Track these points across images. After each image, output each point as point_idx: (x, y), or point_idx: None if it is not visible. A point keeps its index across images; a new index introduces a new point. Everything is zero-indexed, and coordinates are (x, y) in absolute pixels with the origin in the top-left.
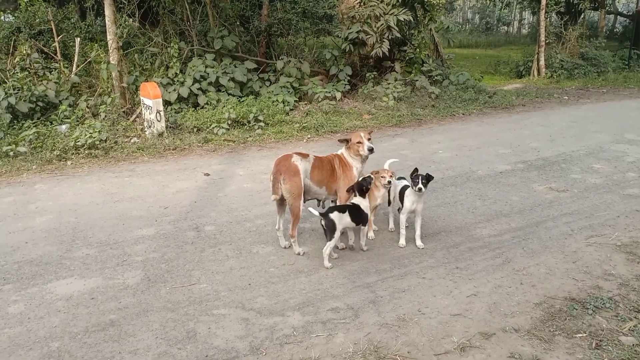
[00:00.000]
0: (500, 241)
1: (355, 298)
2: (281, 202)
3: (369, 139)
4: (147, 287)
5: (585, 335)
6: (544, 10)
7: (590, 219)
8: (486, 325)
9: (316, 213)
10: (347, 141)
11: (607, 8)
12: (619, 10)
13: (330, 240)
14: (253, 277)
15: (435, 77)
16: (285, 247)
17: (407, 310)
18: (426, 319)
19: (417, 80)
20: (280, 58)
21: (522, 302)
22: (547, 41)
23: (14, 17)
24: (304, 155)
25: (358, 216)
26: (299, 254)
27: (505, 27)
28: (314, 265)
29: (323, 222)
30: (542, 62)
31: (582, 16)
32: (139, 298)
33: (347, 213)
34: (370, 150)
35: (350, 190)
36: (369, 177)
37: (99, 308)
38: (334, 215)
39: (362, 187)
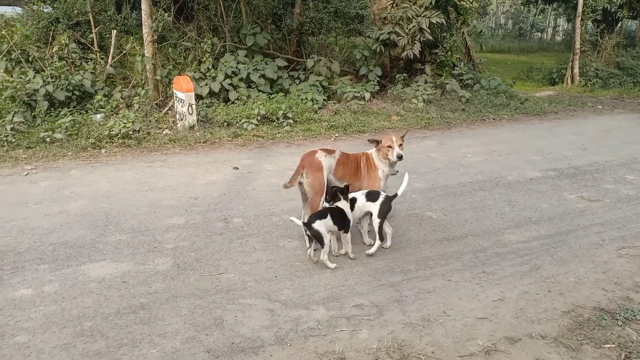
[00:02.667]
0: (529, 248)
1: (379, 296)
2: (306, 197)
3: (400, 145)
4: (176, 273)
5: (614, 346)
6: (579, 18)
7: (622, 230)
8: (512, 330)
9: (299, 223)
10: (377, 142)
11: None
12: None
13: (322, 247)
14: (279, 269)
15: (466, 81)
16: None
17: (432, 311)
18: (451, 320)
19: (447, 83)
20: (310, 57)
21: (550, 309)
22: (583, 49)
23: (52, 8)
24: (330, 152)
25: (341, 221)
26: (308, 249)
27: (539, 34)
28: (338, 262)
29: (308, 232)
30: (576, 70)
31: (619, 25)
32: (169, 284)
33: (328, 217)
34: (400, 157)
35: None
36: (347, 186)
37: (130, 291)
38: (317, 224)
39: (337, 195)
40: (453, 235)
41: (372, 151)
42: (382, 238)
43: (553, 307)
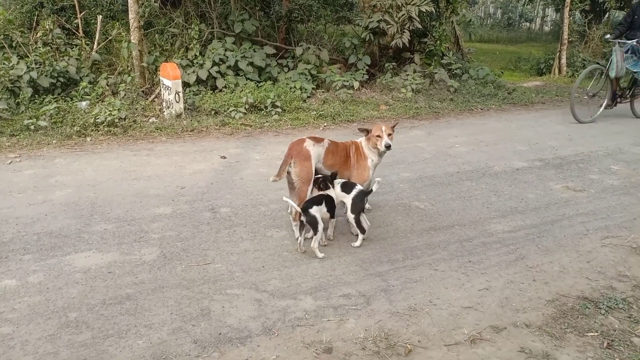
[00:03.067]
0: (514, 237)
1: (367, 286)
2: (293, 186)
3: (389, 135)
4: (163, 264)
5: (597, 334)
6: (568, 8)
7: (607, 220)
8: (497, 319)
9: (294, 205)
10: (367, 131)
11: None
12: None
13: (315, 234)
14: (267, 259)
15: (455, 71)
16: (298, 240)
17: (418, 300)
18: (437, 309)
19: (436, 72)
20: (299, 44)
21: (534, 298)
22: (570, 39)
23: None
24: (319, 140)
25: (332, 207)
26: (297, 239)
27: (528, 24)
28: (326, 251)
29: (304, 218)
30: (563, 61)
31: (606, 15)
32: (155, 274)
33: (323, 204)
34: (388, 147)
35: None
36: (334, 174)
37: (116, 282)
38: (314, 210)
39: (327, 183)
40: (440, 225)
41: (362, 140)
42: (362, 231)
43: (538, 296)
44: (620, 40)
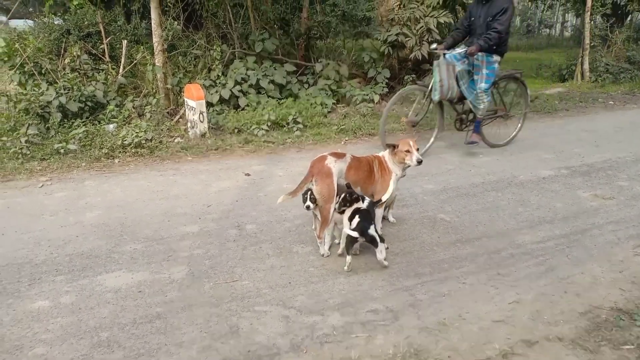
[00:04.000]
0: (544, 248)
1: (394, 301)
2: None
3: (417, 149)
4: (191, 282)
5: (633, 347)
6: (589, 13)
7: (638, 228)
8: (529, 333)
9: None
10: (394, 147)
11: None
12: None
13: (377, 246)
14: (293, 276)
15: None
16: (323, 255)
17: (447, 314)
18: (467, 324)
19: None
20: (319, 61)
21: (567, 311)
22: (592, 44)
23: (63, 20)
24: (340, 156)
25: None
26: (323, 255)
27: (548, 30)
28: (352, 266)
29: (362, 239)
30: (586, 66)
31: (629, 18)
32: (184, 292)
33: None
34: (419, 162)
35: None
36: (348, 184)
37: (146, 301)
38: (371, 230)
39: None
40: (466, 237)
41: (385, 154)
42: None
43: (570, 308)
44: (446, 52)
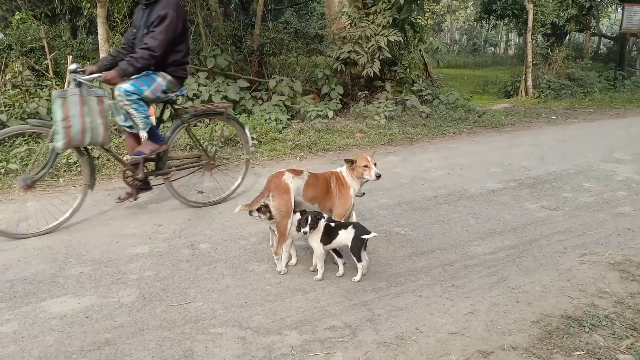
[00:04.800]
0: (495, 259)
1: (352, 316)
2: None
3: (374, 164)
4: (142, 305)
5: (583, 353)
6: (530, 32)
7: (583, 237)
8: (484, 344)
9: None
10: (352, 162)
11: (591, 30)
12: (603, 32)
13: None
14: (249, 295)
15: (426, 97)
16: (280, 273)
17: (404, 328)
18: (424, 337)
19: (407, 99)
20: (272, 77)
21: (519, 320)
22: (534, 62)
23: (4, 35)
24: (298, 172)
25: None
26: (280, 272)
27: (492, 48)
28: (309, 284)
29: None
30: (529, 83)
31: (567, 38)
32: (135, 316)
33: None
34: (378, 176)
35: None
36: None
37: (94, 327)
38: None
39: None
40: (421, 250)
41: (342, 169)
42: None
43: (522, 317)
44: (81, 77)
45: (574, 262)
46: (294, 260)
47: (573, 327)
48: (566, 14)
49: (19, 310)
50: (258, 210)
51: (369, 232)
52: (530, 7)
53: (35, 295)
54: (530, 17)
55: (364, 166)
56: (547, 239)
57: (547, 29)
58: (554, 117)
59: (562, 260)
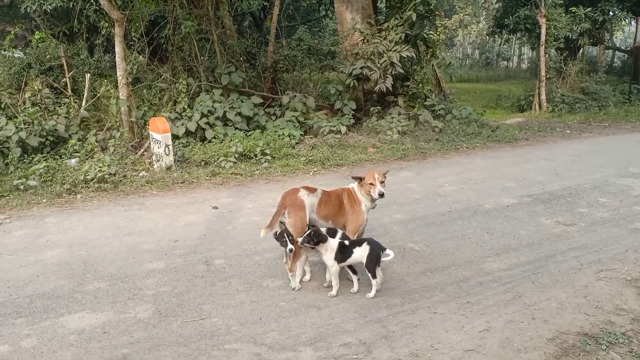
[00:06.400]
0: (510, 275)
1: (367, 333)
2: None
3: (382, 182)
4: (158, 321)
5: None
6: (543, 46)
7: (599, 253)
8: None
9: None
10: (360, 179)
11: (605, 44)
12: (617, 45)
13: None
14: (264, 311)
15: (438, 112)
16: (295, 289)
17: (419, 345)
18: (439, 354)
19: (420, 114)
20: (285, 93)
21: (535, 337)
22: (548, 76)
23: (24, 54)
24: (312, 190)
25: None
26: (294, 288)
27: (505, 62)
28: (323, 300)
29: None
30: (543, 97)
31: (581, 51)
32: (151, 332)
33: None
34: (381, 195)
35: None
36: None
37: (111, 342)
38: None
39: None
40: (436, 266)
41: (354, 186)
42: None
43: (538, 334)
44: None
45: (590, 279)
46: (307, 277)
47: (590, 345)
48: (579, 28)
49: (38, 326)
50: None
51: (384, 249)
52: (543, 21)
53: (54, 310)
54: (543, 31)
55: (369, 184)
56: (562, 255)
57: (560, 43)
58: (568, 131)
59: (578, 276)
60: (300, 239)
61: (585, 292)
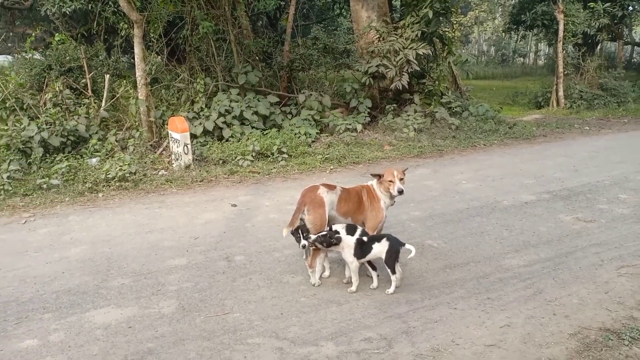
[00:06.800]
0: (530, 272)
1: (387, 328)
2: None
3: (401, 179)
4: (182, 316)
5: None
6: (561, 42)
7: (620, 250)
8: (521, 356)
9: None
10: (379, 176)
11: (624, 39)
12: (636, 41)
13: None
14: (285, 306)
15: (455, 109)
16: (314, 285)
17: (440, 341)
18: (460, 349)
19: (436, 111)
20: (301, 92)
21: (557, 332)
22: (566, 72)
23: (44, 57)
24: (331, 187)
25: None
26: (314, 284)
27: (521, 59)
28: (343, 295)
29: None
30: (560, 93)
31: (599, 47)
32: (175, 327)
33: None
34: (400, 192)
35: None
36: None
37: (137, 336)
38: None
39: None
40: (455, 263)
41: (373, 183)
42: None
43: (559, 330)
44: None
45: (611, 275)
46: (327, 273)
47: (612, 340)
48: (598, 24)
49: (65, 321)
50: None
51: (403, 244)
52: (560, 17)
53: (79, 306)
54: (561, 27)
55: (389, 181)
56: (583, 251)
57: (578, 38)
58: (587, 127)
59: (599, 272)
60: (312, 237)
61: (607, 288)
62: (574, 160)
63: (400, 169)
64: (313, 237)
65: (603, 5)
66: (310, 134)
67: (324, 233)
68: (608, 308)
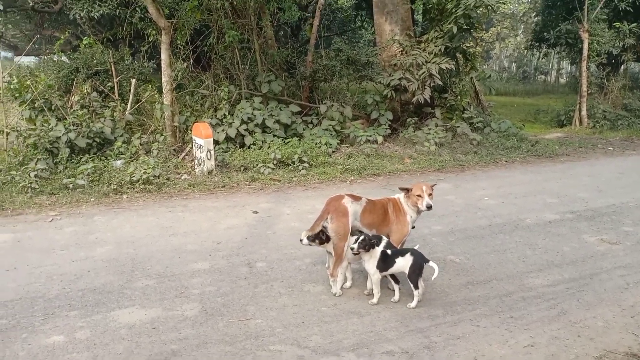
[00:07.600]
0: (554, 292)
1: (409, 342)
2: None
3: (430, 194)
4: (205, 319)
5: None
6: (585, 61)
7: None
8: None
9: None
10: (408, 190)
11: None
12: None
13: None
14: (306, 315)
15: (477, 124)
16: (335, 295)
17: (463, 358)
18: None
19: (458, 126)
20: (323, 102)
21: (581, 355)
22: (589, 91)
23: (71, 59)
24: (356, 198)
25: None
26: (335, 294)
27: (543, 76)
28: (365, 307)
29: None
30: (584, 112)
31: (623, 67)
32: (198, 330)
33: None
34: (429, 207)
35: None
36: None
37: (161, 338)
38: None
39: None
40: (477, 280)
41: (400, 196)
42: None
43: (584, 352)
44: None
45: (637, 299)
46: (348, 284)
47: None
48: (623, 44)
49: (91, 319)
50: (308, 238)
51: (427, 260)
52: (585, 36)
53: (105, 305)
54: (585, 46)
55: (417, 195)
56: (608, 273)
57: (603, 58)
58: (611, 148)
59: (625, 295)
60: (354, 246)
61: (633, 312)
62: (598, 180)
63: (429, 185)
64: (355, 246)
65: (629, 25)
66: (331, 144)
67: (363, 237)
68: (634, 332)
